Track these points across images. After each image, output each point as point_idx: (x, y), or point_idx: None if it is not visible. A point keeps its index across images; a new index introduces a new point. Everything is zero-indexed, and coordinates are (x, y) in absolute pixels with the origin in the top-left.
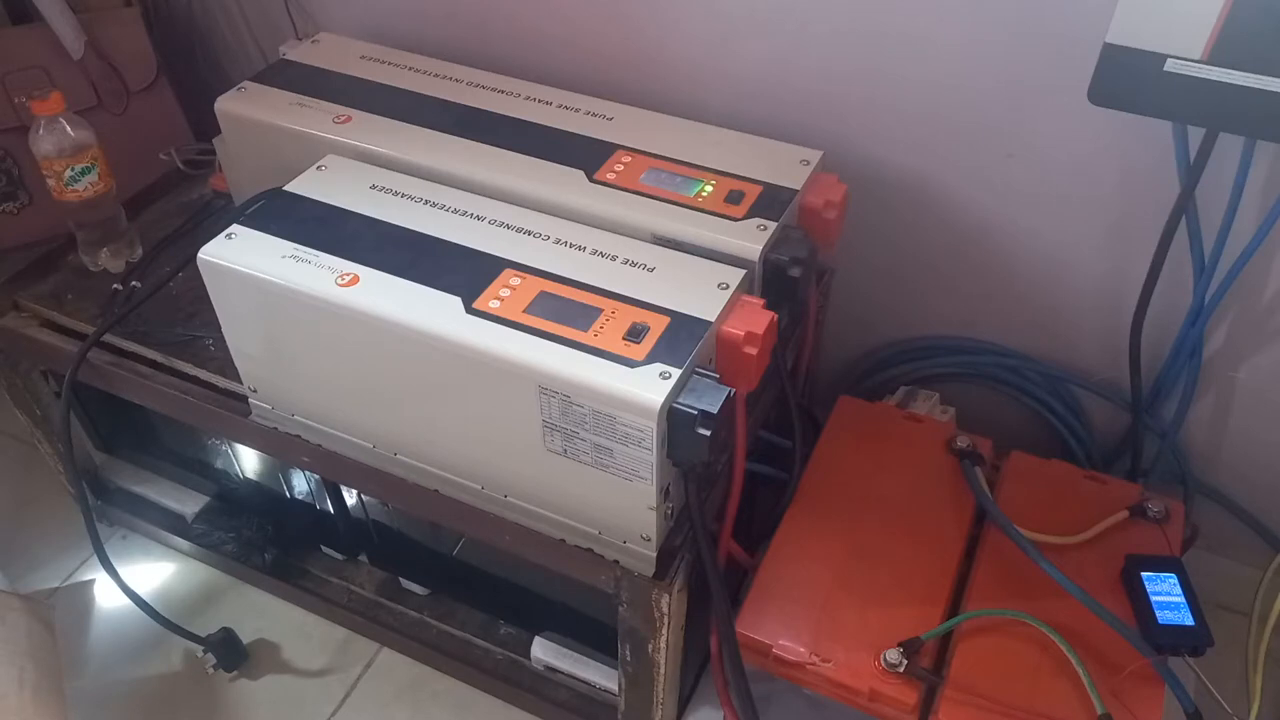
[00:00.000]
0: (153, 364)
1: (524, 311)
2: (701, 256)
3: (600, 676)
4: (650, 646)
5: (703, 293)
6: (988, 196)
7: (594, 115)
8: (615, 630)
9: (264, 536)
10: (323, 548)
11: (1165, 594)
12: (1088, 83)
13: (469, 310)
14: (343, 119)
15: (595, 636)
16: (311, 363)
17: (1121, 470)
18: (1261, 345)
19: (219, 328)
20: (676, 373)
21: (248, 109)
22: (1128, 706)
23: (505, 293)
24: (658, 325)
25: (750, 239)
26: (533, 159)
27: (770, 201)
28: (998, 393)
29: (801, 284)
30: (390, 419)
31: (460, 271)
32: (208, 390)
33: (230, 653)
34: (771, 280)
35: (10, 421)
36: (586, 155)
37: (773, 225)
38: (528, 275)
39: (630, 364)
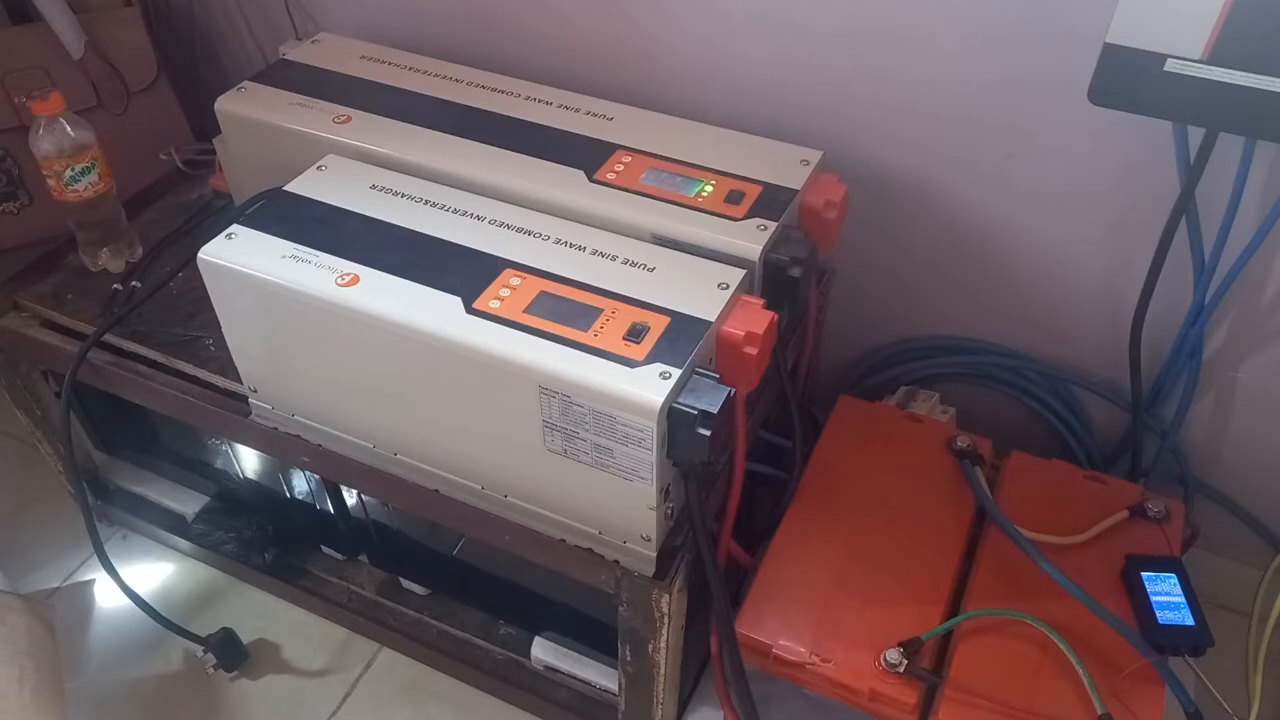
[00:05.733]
0: (153, 364)
1: (524, 311)
2: (701, 256)
3: (600, 676)
4: (650, 646)
5: (703, 293)
6: (988, 196)
7: (594, 115)
8: (615, 630)
9: (264, 536)
10: (323, 548)
11: (1165, 594)
12: (1088, 82)
13: (469, 310)
14: (343, 119)
15: (595, 636)
16: (311, 363)
17: (1121, 470)
18: (1261, 345)
19: (219, 328)
20: (676, 373)
21: (248, 109)
22: (1128, 706)
23: (505, 293)
24: (658, 325)
25: (750, 239)
26: (533, 159)
27: (770, 201)
28: (998, 393)
29: (801, 284)
30: (390, 419)
31: (460, 271)
32: (208, 390)
33: (230, 653)
34: (771, 280)
35: (10, 421)
36: (586, 155)
37: (773, 225)
38: (528, 275)
39: (630, 364)
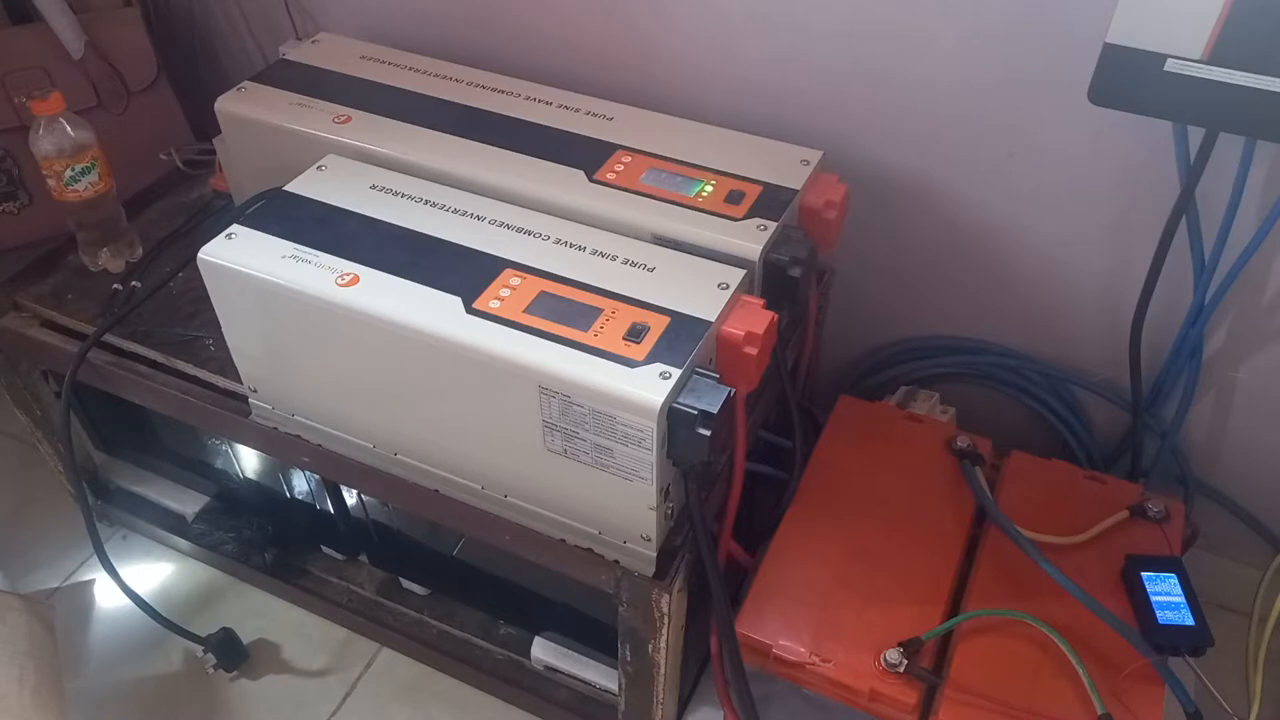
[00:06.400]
0: (153, 364)
1: (524, 311)
2: (701, 256)
3: (600, 676)
4: (650, 646)
5: (703, 293)
6: (988, 196)
7: (594, 115)
8: (615, 630)
9: (264, 536)
10: (323, 548)
11: (1165, 594)
12: (1088, 82)
13: (469, 310)
14: (343, 119)
15: (595, 636)
16: (311, 363)
17: (1121, 470)
18: (1261, 345)
19: (219, 328)
20: (676, 373)
21: (248, 109)
22: (1128, 706)
23: (505, 293)
24: (658, 325)
25: (750, 239)
26: (533, 159)
27: (770, 201)
28: (998, 393)
29: (801, 284)
30: (390, 419)
31: (460, 271)
32: (208, 390)
33: (230, 653)
34: (771, 280)
35: (10, 421)
36: (586, 155)
37: (773, 225)
38: (528, 275)
39: (630, 364)
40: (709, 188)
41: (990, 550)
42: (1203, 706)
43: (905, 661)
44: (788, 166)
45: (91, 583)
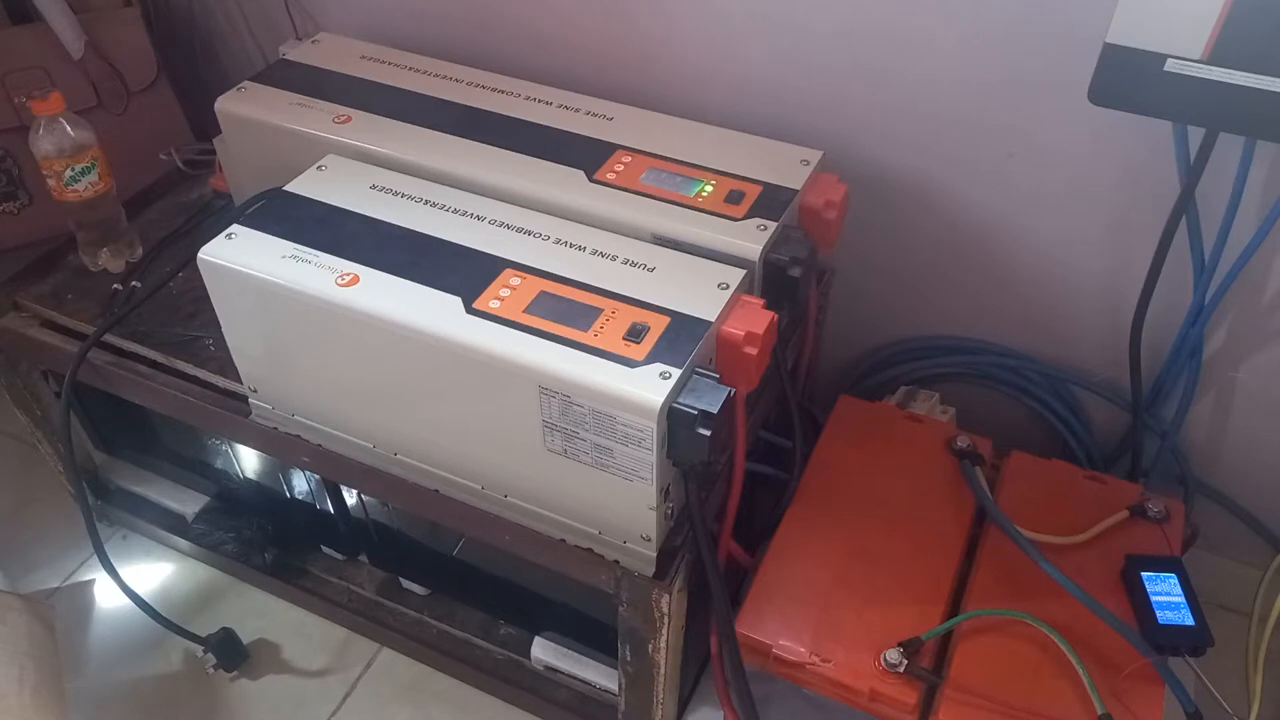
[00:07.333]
0: (153, 364)
1: (524, 311)
2: (701, 256)
3: (600, 676)
4: (650, 646)
5: (703, 293)
6: (988, 196)
7: (594, 115)
8: (615, 630)
9: (264, 536)
10: (323, 548)
11: (1165, 594)
12: (1088, 82)
13: (469, 310)
14: (343, 119)
15: (595, 636)
16: (311, 363)
17: (1121, 470)
18: (1261, 345)
19: (219, 328)
20: (676, 373)
21: (248, 109)
22: (1128, 706)
23: (505, 293)
24: (658, 325)
25: (750, 239)
26: (533, 159)
27: (770, 201)
28: (998, 393)
29: (801, 284)
30: (390, 419)
31: (460, 271)
32: (208, 390)
33: (230, 653)
34: (771, 280)
35: (10, 421)
36: (586, 155)
37: (773, 225)
38: (528, 275)
39: (630, 364)
40: (709, 188)
41: (990, 550)
42: (1203, 706)
43: (905, 661)
44: (788, 166)
45: (91, 583)
